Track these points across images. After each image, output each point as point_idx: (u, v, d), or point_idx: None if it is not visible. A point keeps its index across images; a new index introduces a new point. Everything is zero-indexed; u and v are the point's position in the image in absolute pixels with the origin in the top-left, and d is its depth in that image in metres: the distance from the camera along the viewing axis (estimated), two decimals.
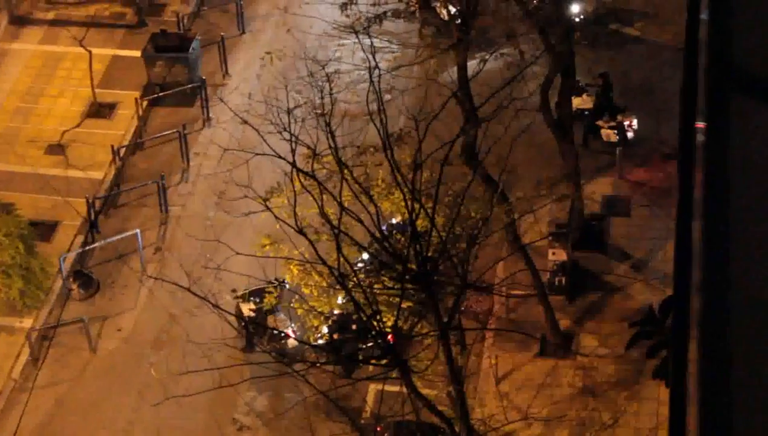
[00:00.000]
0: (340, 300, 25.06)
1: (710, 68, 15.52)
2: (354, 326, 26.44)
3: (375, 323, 20.72)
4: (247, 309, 28.16)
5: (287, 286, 27.51)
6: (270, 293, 26.86)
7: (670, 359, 19.62)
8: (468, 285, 21.99)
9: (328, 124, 20.82)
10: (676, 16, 33.08)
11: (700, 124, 14.83)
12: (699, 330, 13.17)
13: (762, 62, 16.17)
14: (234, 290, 28.08)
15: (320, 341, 26.46)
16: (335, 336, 26.68)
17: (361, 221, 21.42)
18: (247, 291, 28.37)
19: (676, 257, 14.34)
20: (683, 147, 15.28)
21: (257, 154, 22.36)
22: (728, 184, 14.75)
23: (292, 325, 27.59)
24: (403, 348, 21.97)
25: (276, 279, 27.19)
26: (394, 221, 25.81)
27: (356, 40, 23.69)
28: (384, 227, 21.86)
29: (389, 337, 21.21)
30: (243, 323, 28.20)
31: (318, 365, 24.25)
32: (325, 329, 26.63)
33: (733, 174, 14.87)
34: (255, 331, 28.15)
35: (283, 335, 27.49)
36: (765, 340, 13.43)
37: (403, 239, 23.51)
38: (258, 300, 27.94)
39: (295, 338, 26.65)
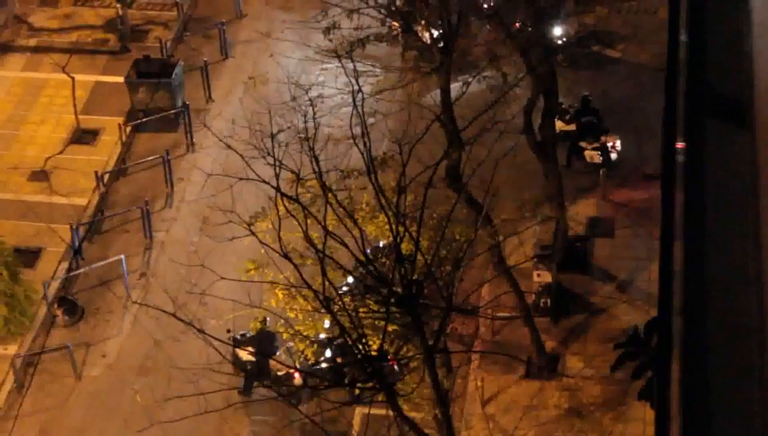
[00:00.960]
0: (326, 324, 25.04)
1: (689, 89, 15.66)
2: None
3: (360, 347, 20.74)
4: (246, 354, 27.57)
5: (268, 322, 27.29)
6: (264, 324, 26.55)
7: (654, 380, 19.67)
8: (453, 308, 22.01)
9: (311, 149, 20.85)
10: (655, 37, 33.31)
11: (680, 145, 14.95)
12: (681, 351, 13.24)
13: (739, 82, 16.31)
14: (229, 331, 27.52)
15: (323, 365, 26.33)
16: (338, 360, 26.57)
17: (345, 245, 21.46)
18: (244, 334, 27.80)
19: (660, 277, 14.42)
20: (666, 168, 15.38)
21: (241, 178, 22.39)
22: (707, 204, 14.86)
23: (295, 363, 27.15)
24: (389, 371, 21.96)
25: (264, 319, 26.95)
26: (381, 244, 25.82)
27: (339, 65, 23.75)
28: (369, 251, 21.87)
29: (390, 360, 21.19)
30: (242, 370, 27.53)
31: (307, 388, 24.21)
32: (328, 353, 26.44)
33: (711, 194, 14.99)
34: (257, 376, 27.65)
35: (288, 375, 27.14)
36: (744, 359, 13.50)
37: (388, 262, 23.54)
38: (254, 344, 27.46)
39: (300, 376, 26.20)
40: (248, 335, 27.77)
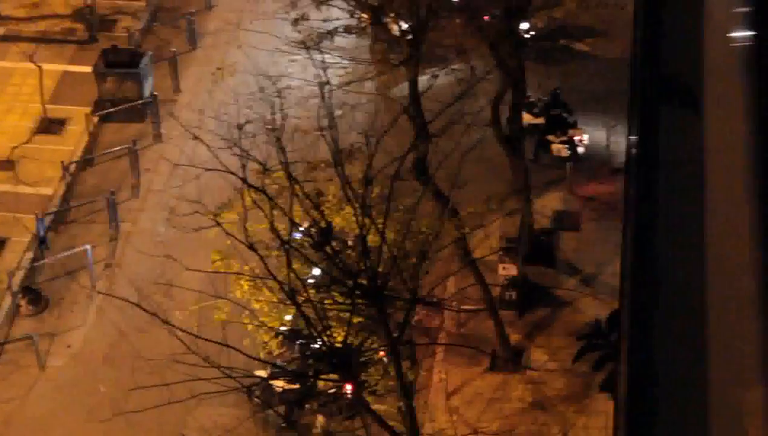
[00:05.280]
0: (288, 317, 24.99)
1: (645, 83, 15.82)
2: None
3: (325, 338, 20.76)
4: (281, 385, 26.78)
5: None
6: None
7: (615, 372, 19.84)
8: (418, 300, 22.06)
9: (278, 140, 20.85)
10: (624, 31, 33.42)
11: (635, 138, 15.12)
12: (629, 339, 13.38)
13: (691, 75, 16.48)
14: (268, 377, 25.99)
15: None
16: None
17: (311, 236, 21.45)
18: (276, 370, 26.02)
19: (622, 271, 14.54)
20: (630, 161, 15.50)
21: (208, 169, 22.35)
22: (659, 196, 15.02)
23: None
24: (353, 363, 21.97)
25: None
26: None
27: (307, 56, 23.76)
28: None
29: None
30: (285, 403, 26.68)
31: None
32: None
33: (664, 187, 15.15)
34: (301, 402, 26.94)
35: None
36: (692, 350, 13.66)
37: (353, 253, 23.55)
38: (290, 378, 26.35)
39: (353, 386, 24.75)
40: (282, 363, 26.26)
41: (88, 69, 35.64)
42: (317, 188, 25.39)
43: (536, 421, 27.41)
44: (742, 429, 12.75)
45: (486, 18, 29.40)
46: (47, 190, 33.19)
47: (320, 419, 27.58)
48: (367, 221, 20.79)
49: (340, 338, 21.58)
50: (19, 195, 33.04)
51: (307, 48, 24.54)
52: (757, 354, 12.96)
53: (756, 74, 15.91)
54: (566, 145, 33.01)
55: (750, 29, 16.30)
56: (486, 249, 29.29)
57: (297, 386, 26.62)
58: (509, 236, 30.71)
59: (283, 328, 26.01)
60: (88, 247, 31.19)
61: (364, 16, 30.33)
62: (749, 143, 15.08)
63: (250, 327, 25.54)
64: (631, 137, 15.04)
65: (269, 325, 24.94)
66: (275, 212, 20.97)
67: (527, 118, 32.30)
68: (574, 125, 33.08)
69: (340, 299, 21.95)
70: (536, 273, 30.47)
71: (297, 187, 21.19)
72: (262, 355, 26.16)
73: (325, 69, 21.83)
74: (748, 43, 16.09)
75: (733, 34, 16.45)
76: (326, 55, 23.95)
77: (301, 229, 21.99)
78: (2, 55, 37.26)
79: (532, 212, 30.90)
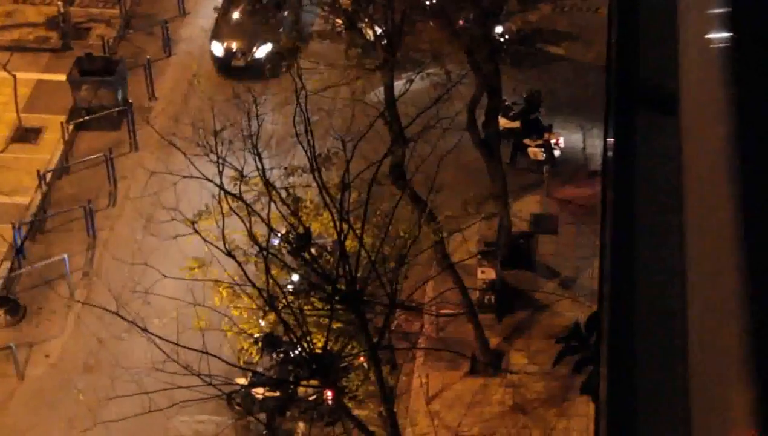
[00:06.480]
0: (262, 323, 24.93)
1: (621, 86, 15.88)
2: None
3: (305, 344, 20.75)
4: (261, 393, 26.63)
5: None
6: None
7: (595, 375, 19.89)
8: (397, 305, 22.07)
9: (255, 146, 20.83)
10: (600, 35, 33.53)
11: (612, 141, 15.17)
12: (608, 343, 13.43)
13: (667, 77, 16.55)
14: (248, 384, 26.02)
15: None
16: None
17: (289, 243, 21.44)
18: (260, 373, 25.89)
19: (600, 273, 14.58)
20: (606, 164, 15.55)
21: (184, 176, 22.32)
22: (636, 199, 15.08)
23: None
24: (334, 368, 21.95)
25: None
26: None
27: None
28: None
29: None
30: (266, 410, 26.32)
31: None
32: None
33: (641, 189, 15.20)
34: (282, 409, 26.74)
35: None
36: (669, 348, 13.71)
37: (332, 259, 23.55)
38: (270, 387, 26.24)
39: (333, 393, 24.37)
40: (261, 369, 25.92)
41: (62, 77, 35.52)
42: (295, 194, 25.41)
43: (517, 424, 27.42)
44: (724, 431, 12.80)
45: (461, 22, 29.44)
46: (23, 200, 33.05)
47: (301, 425, 27.55)
48: (345, 226, 20.78)
49: (319, 344, 21.57)
50: None
51: (282, 54, 24.52)
52: (737, 355, 13.02)
53: (732, 76, 16.01)
54: (542, 149, 33.06)
55: (726, 30, 16.42)
56: (464, 253, 29.32)
57: (278, 393, 26.57)
58: (487, 239, 30.74)
59: (257, 335, 25.96)
60: (65, 256, 31.08)
61: (339, 21, 30.38)
62: (726, 145, 15.19)
63: (229, 334, 25.53)
64: (607, 140, 15.10)
65: (249, 332, 24.91)
66: (253, 219, 20.95)
67: (503, 122, 32.35)
68: (549, 129, 33.13)
69: (319, 305, 21.97)
70: (515, 277, 30.50)
71: (274, 193, 21.18)
72: (242, 362, 26.12)
73: (300, 75, 21.79)
74: (723, 45, 16.21)
75: (709, 36, 16.57)
76: (301, 61, 23.94)
77: (279, 235, 22.00)
78: None
79: (509, 216, 30.94)
